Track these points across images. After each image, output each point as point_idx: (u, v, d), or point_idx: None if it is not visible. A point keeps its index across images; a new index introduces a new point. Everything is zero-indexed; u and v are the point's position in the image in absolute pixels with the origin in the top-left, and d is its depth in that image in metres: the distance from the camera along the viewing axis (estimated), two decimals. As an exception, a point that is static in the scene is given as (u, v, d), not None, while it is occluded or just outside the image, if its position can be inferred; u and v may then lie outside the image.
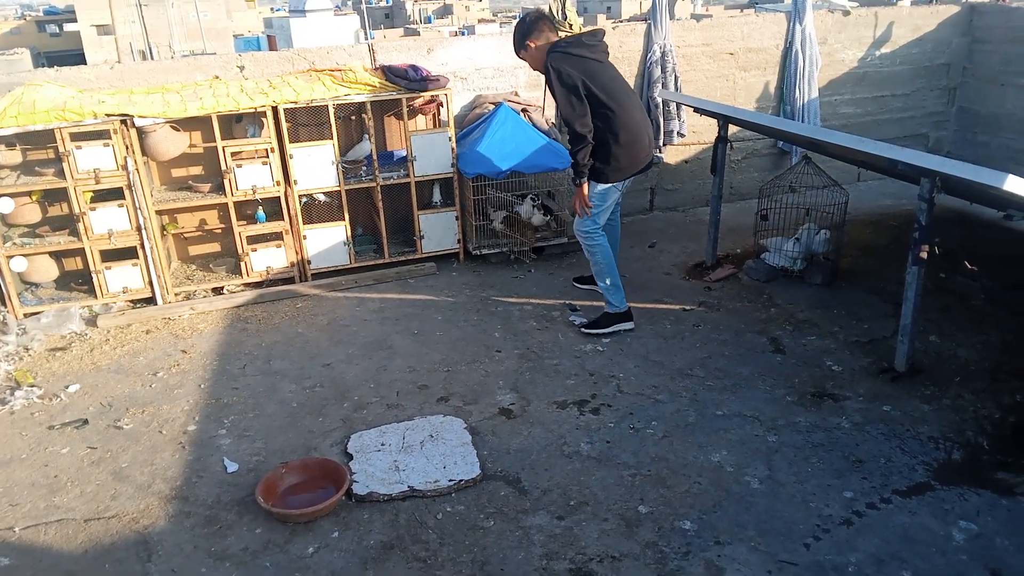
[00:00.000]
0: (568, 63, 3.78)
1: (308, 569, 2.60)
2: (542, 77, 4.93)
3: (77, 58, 36.68)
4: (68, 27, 44.15)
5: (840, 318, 4.18)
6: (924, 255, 3.31)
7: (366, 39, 31.06)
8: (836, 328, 4.07)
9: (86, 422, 3.52)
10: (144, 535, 2.79)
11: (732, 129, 4.65)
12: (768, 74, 5.96)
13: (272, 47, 31.63)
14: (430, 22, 51.65)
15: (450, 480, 2.99)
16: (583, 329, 4.14)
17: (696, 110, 4.68)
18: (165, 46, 37.43)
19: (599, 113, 3.82)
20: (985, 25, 6.24)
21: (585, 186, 3.96)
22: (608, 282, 4.11)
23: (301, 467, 3.05)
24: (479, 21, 48.51)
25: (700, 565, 2.54)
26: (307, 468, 3.05)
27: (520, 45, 3.99)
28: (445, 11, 57.84)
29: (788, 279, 4.64)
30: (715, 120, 4.60)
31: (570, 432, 3.30)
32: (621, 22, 5.49)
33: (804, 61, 5.80)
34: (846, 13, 6.05)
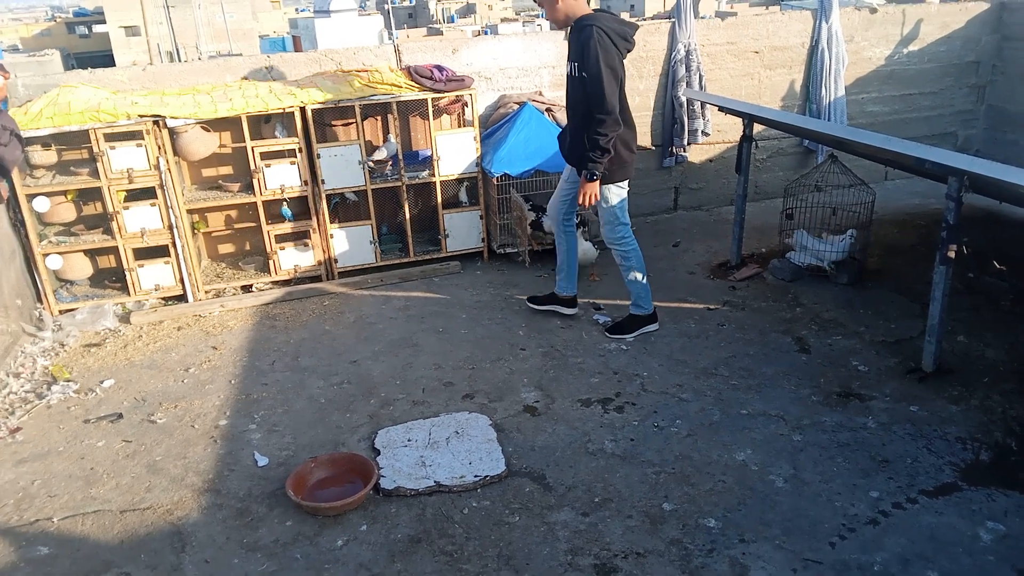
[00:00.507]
0: (609, 40, 3.53)
1: (338, 561, 2.65)
2: (565, 75, 4.88)
3: (106, 59, 37.27)
4: (97, 28, 44.86)
5: (866, 318, 4.16)
6: (952, 255, 3.29)
7: (390, 39, 31.26)
8: (862, 328, 4.05)
9: (121, 416, 3.60)
10: (178, 526, 2.86)
11: (757, 128, 4.64)
12: (794, 72, 5.93)
13: (297, 47, 31.93)
14: (453, 21, 51.81)
15: (476, 476, 3.02)
16: (607, 333, 4.13)
17: (721, 109, 4.68)
18: (192, 47, 37.92)
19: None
20: (1016, 22, 6.15)
21: (597, 182, 3.72)
22: (643, 282, 4.04)
23: (330, 462, 3.10)
24: (502, 20, 48.55)
25: (725, 562, 2.55)
26: (336, 463, 3.10)
27: None
28: (468, 10, 57.97)
29: (814, 278, 4.63)
30: (740, 119, 4.59)
31: (594, 430, 3.32)
32: (645, 20, 5.47)
33: (830, 59, 5.77)
34: (873, 11, 6.00)
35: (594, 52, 3.49)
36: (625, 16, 5.42)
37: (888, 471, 2.95)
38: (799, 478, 2.94)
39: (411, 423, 3.42)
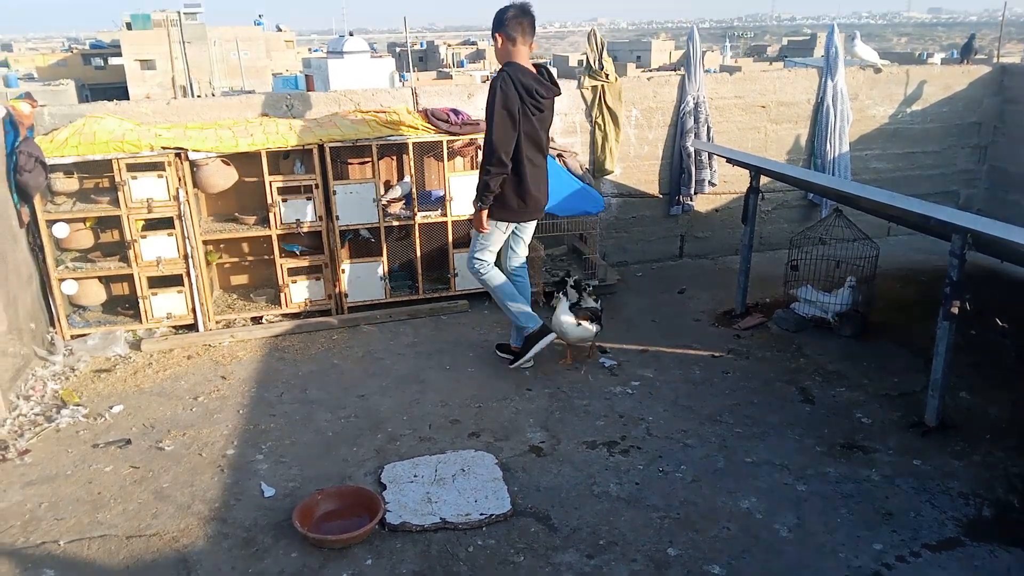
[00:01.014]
0: (514, 90, 3.75)
1: (342, 595, 2.66)
2: (577, 122, 5.16)
3: (120, 91, 37.85)
4: (113, 61, 45.63)
5: (870, 371, 4.20)
6: (956, 311, 3.35)
7: (401, 81, 31.80)
8: (866, 380, 4.10)
9: (129, 442, 3.63)
10: (184, 554, 2.86)
11: (763, 180, 4.74)
12: (799, 127, 6.07)
13: (310, 87, 32.43)
14: (463, 66, 52.76)
15: (481, 514, 3.04)
16: (510, 366, 4.29)
17: (729, 160, 4.79)
18: (206, 82, 38.57)
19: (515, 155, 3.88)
20: (1016, 85, 6.32)
21: (484, 212, 4.02)
22: (513, 308, 4.24)
23: (336, 495, 3.12)
24: (511, 66, 49.35)
25: (729, 609, 2.56)
26: (342, 496, 3.12)
27: (495, 28, 3.84)
28: (477, 56, 59.11)
29: (817, 330, 4.68)
30: (746, 171, 4.70)
31: (600, 472, 3.34)
32: (650, 71, 5.64)
33: (835, 116, 5.92)
34: (877, 70, 6.17)
35: (493, 95, 3.77)
36: (631, 67, 5.53)
37: (892, 524, 2.97)
38: (803, 528, 2.96)
39: (417, 459, 3.44)
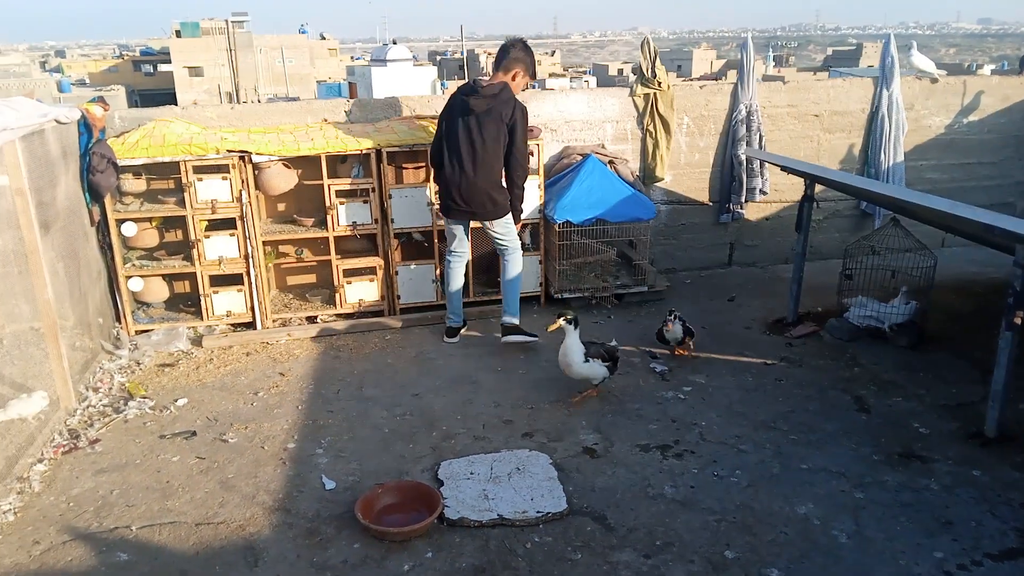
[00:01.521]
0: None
1: (404, 585, 2.72)
2: (628, 130, 5.30)
3: (168, 97, 38.83)
4: (162, 67, 46.86)
5: (926, 381, 4.16)
6: (1019, 321, 3.32)
7: (442, 89, 32.10)
8: (922, 391, 4.06)
9: (194, 434, 3.75)
10: (251, 542, 2.96)
11: (816, 189, 4.72)
12: (853, 137, 6.03)
13: (352, 94, 32.92)
14: (502, 74, 52.94)
15: (538, 512, 3.08)
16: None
17: (783, 168, 4.79)
18: (251, 89, 39.40)
19: None
20: (1077, 97, 6.20)
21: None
22: (449, 290, 4.71)
23: (396, 489, 3.19)
24: (550, 75, 49.57)
25: (788, 612, 2.57)
26: (402, 490, 3.19)
27: (506, 66, 4.31)
28: (517, 64, 59.29)
29: (871, 340, 4.64)
30: (797, 180, 4.69)
31: (654, 475, 3.37)
32: (692, 80, 5.66)
33: (890, 126, 5.87)
34: (934, 80, 6.11)
35: (524, 123, 4.34)
36: (672, 76, 5.57)
37: (952, 533, 2.94)
38: (862, 535, 2.95)
39: (473, 457, 3.50)
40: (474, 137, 4.23)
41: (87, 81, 48.82)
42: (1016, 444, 3.51)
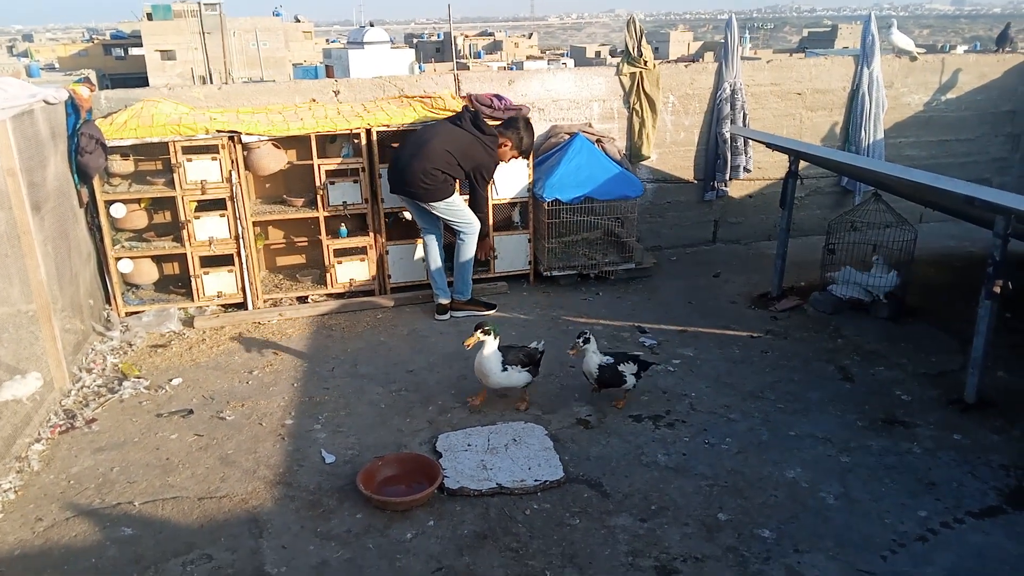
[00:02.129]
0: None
1: (408, 552, 2.79)
2: (615, 109, 5.55)
3: (140, 81, 38.20)
4: (133, 51, 46.02)
5: (907, 351, 4.28)
6: (998, 290, 3.43)
7: (419, 71, 31.93)
8: (904, 360, 4.18)
9: (191, 412, 3.78)
10: (254, 514, 3.01)
11: (800, 165, 4.81)
12: (834, 115, 6.13)
13: (330, 76, 32.66)
14: (480, 57, 52.75)
15: (536, 480, 3.16)
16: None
17: (768, 146, 4.87)
18: (225, 73, 38.88)
19: None
20: (1051, 74, 6.34)
21: None
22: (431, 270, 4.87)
23: (396, 461, 3.25)
24: (527, 58, 49.39)
25: (781, 570, 2.67)
26: (401, 462, 3.25)
27: (504, 132, 4.58)
28: (495, 47, 59.07)
29: (854, 312, 4.76)
30: (781, 157, 4.77)
31: (647, 444, 3.45)
32: (668, 62, 5.73)
33: (871, 103, 5.97)
34: (913, 58, 6.21)
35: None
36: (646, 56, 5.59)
37: (935, 493, 3.06)
38: (849, 496, 3.05)
39: (470, 429, 3.57)
40: (431, 137, 4.47)
41: (56, 66, 47.80)
42: (995, 409, 3.64)
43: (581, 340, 3.63)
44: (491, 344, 3.62)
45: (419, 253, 5.11)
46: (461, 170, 4.51)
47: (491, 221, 5.15)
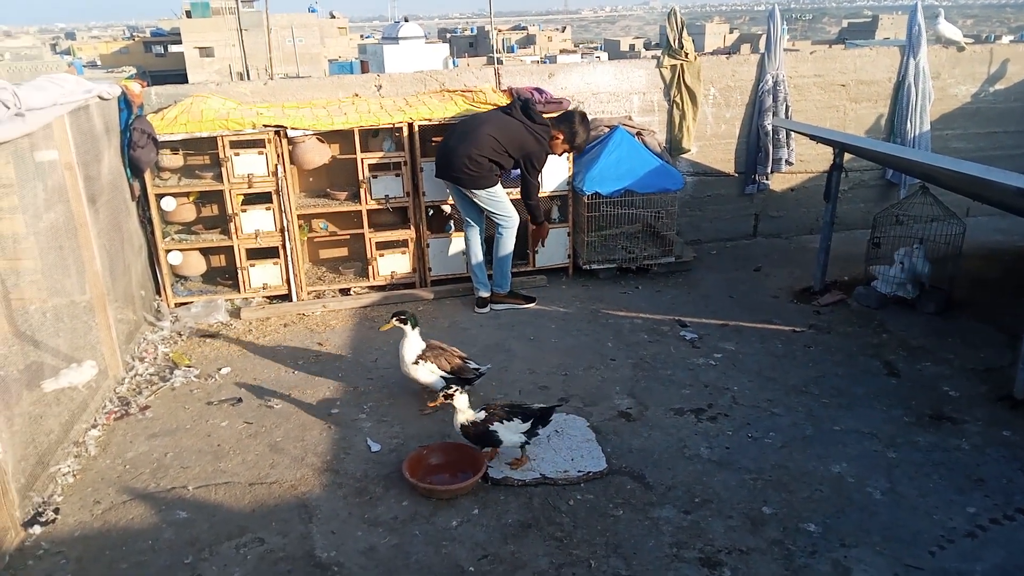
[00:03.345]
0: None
1: (454, 540, 2.83)
2: (655, 101, 5.67)
3: (180, 78, 38.89)
4: (173, 48, 46.83)
5: (954, 346, 4.22)
6: (1051, 284, 3.36)
7: (453, 66, 32.04)
8: (951, 355, 4.12)
9: (240, 400, 3.87)
10: (303, 500, 3.08)
11: (844, 158, 4.75)
12: (879, 106, 6.03)
13: (364, 72, 32.90)
14: (513, 51, 52.72)
15: (579, 471, 3.18)
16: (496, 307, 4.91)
17: (812, 138, 4.82)
18: (262, 69, 39.40)
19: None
20: (1105, 64, 6.16)
21: None
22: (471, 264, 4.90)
23: (441, 449, 3.30)
24: (561, 52, 49.26)
25: (827, 564, 2.66)
26: (446, 451, 3.30)
27: (558, 125, 4.61)
28: (528, 41, 58.99)
29: (899, 307, 4.70)
30: (823, 150, 4.72)
31: (689, 437, 3.46)
32: (704, 55, 5.68)
33: (916, 95, 5.86)
34: (961, 49, 6.09)
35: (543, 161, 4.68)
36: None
37: (984, 489, 3.02)
38: (896, 492, 3.03)
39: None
40: (480, 124, 4.50)
41: (98, 63, 48.87)
42: (1045, 406, 3.57)
43: (442, 395, 3.20)
44: (412, 334, 3.63)
45: (460, 246, 5.15)
46: (510, 158, 4.51)
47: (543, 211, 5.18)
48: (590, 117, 5.61)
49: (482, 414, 3.15)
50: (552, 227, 5.29)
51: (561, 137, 4.60)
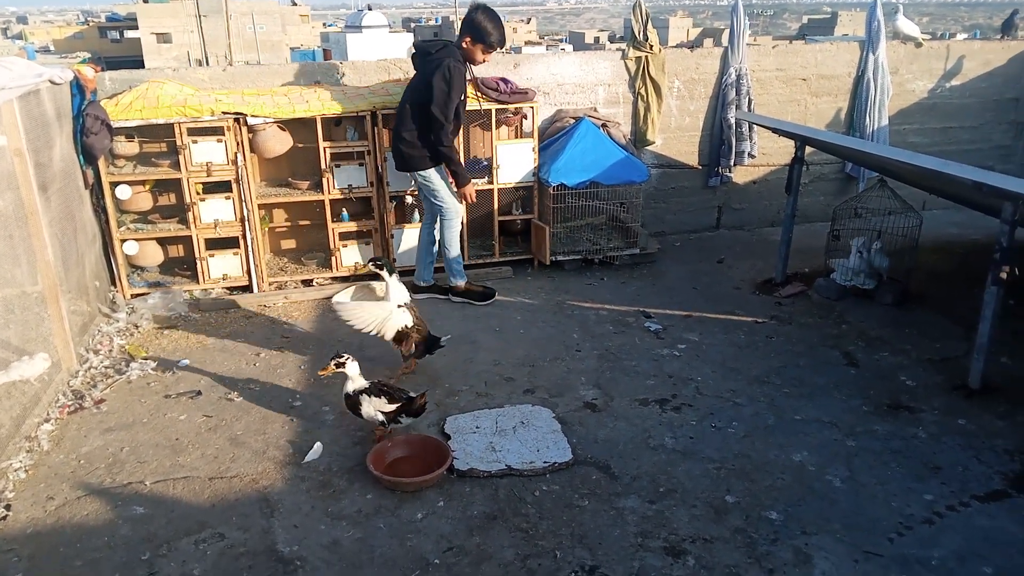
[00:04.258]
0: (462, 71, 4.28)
1: (419, 532, 2.81)
2: (620, 93, 5.39)
3: (136, 64, 37.95)
4: (129, 34, 45.69)
5: (911, 337, 4.30)
6: (1004, 275, 3.44)
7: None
8: (908, 346, 4.20)
9: (199, 393, 3.79)
10: (265, 494, 3.02)
11: (805, 151, 4.81)
12: (839, 101, 6.12)
13: (327, 60, 32.50)
14: (477, 41, 52.34)
15: (544, 462, 3.18)
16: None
17: (775, 131, 4.87)
18: (222, 56, 38.66)
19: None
20: (1056, 62, 6.34)
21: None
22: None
23: (405, 442, 3.27)
24: (526, 43, 49.13)
25: (789, 551, 2.69)
26: (411, 443, 3.27)
27: (461, 30, 4.32)
28: (493, 31, 58.61)
29: (858, 298, 4.78)
30: (785, 143, 4.78)
31: (654, 427, 3.47)
32: (668, 48, 5.71)
33: (875, 89, 5.96)
34: (918, 44, 6.20)
35: (454, 77, 4.26)
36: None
37: (940, 477, 3.09)
38: (855, 480, 3.08)
39: (477, 412, 3.58)
40: (402, 101, 4.43)
41: (51, 48, 47.50)
42: (999, 395, 3.67)
43: (333, 364, 3.31)
44: (389, 279, 3.82)
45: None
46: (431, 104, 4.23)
47: (496, 205, 5.16)
48: (556, 108, 5.62)
49: (364, 385, 3.30)
50: (518, 218, 5.28)
51: (469, 38, 4.28)
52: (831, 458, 3.22)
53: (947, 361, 4.03)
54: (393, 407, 3.26)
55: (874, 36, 5.91)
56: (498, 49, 4.48)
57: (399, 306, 3.80)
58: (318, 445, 3.31)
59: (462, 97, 4.35)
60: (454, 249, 4.75)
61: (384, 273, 3.80)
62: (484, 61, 4.43)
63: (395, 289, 3.84)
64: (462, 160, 4.60)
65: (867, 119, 6.01)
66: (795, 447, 3.30)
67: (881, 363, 4.03)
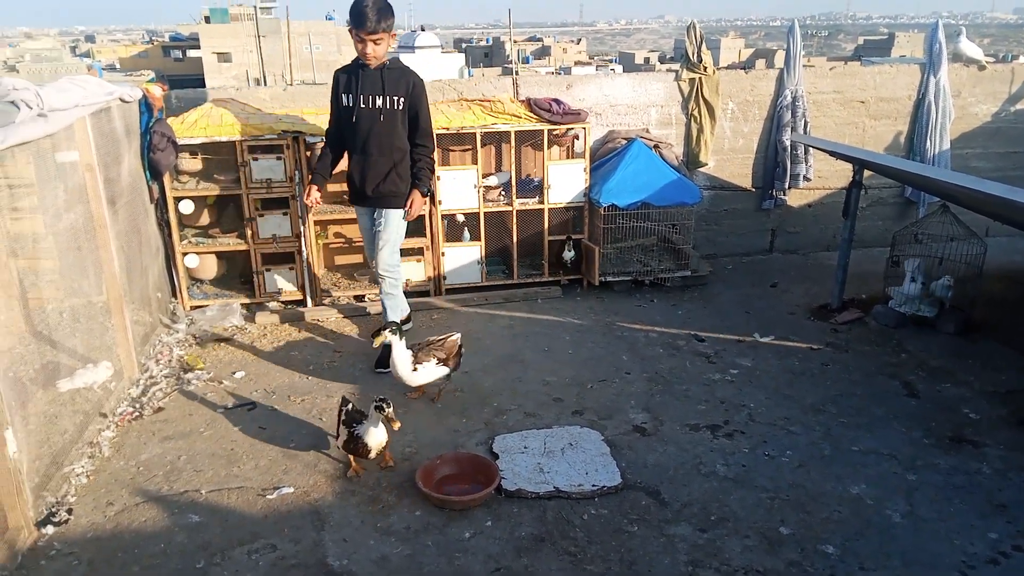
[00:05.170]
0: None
1: (467, 551, 2.80)
2: (673, 114, 5.27)
3: (197, 82, 39.14)
4: (191, 53, 47.23)
5: (975, 368, 4.17)
6: (1076, 307, 3.32)
7: (469, 76, 32.15)
8: (971, 377, 4.07)
9: (254, 404, 3.86)
10: (316, 507, 3.06)
11: (863, 175, 4.72)
12: (899, 124, 6.00)
13: (380, 79, 32.98)
14: (528, 63, 52.86)
15: (593, 485, 3.15)
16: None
17: (832, 154, 4.79)
18: (279, 75, 39.68)
19: None
20: None
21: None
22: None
23: (454, 460, 3.28)
24: (576, 63, 49.35)
25: (846, 586, 2.62)
26: (460, 461, 3.27)
27: (385, 20, 3.81)
28: (543, 52, 59.14)
29: (918, 327, 4.65)
30: (841, 166, 4.69)
31: (705, 453, 3.42)
32: (720, 69, 5.66)
33: (937, 113, 5.83)
34: (982, 68, 6.05)
35: (423, 91, 4.12)
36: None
37: (1006, 515, 2.97)
38: (916, 515, 2.98)
39: (526, 432, 3.57)
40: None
41: (117, 66, 49.31)
42: (1068, 431, 3.52)
43: (387, 331, 3.54)
44: (398, 344, 3.60)
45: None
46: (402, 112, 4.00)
47: (546, 225, 5.16)
48: (608, 129, 5.63)
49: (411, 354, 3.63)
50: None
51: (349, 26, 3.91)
52: (890, 492, 3.12)
53: (1013, 394, 3.89)
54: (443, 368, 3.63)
55: (935, 58, 5.79)
56: (360, 32, 3.87)
57: (413, 371, 3.65)
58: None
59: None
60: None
61: (394, 338, 3.58)
62: (365, 51, 3.94)
63: (401, 356, 3.63)
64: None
65: (928, 143, 5.87)
66: (852, 479, 3.21)
67: (943, 394, 3.91)
